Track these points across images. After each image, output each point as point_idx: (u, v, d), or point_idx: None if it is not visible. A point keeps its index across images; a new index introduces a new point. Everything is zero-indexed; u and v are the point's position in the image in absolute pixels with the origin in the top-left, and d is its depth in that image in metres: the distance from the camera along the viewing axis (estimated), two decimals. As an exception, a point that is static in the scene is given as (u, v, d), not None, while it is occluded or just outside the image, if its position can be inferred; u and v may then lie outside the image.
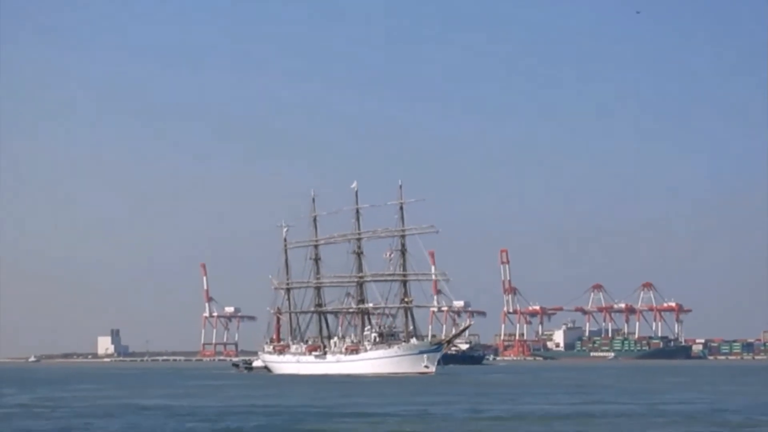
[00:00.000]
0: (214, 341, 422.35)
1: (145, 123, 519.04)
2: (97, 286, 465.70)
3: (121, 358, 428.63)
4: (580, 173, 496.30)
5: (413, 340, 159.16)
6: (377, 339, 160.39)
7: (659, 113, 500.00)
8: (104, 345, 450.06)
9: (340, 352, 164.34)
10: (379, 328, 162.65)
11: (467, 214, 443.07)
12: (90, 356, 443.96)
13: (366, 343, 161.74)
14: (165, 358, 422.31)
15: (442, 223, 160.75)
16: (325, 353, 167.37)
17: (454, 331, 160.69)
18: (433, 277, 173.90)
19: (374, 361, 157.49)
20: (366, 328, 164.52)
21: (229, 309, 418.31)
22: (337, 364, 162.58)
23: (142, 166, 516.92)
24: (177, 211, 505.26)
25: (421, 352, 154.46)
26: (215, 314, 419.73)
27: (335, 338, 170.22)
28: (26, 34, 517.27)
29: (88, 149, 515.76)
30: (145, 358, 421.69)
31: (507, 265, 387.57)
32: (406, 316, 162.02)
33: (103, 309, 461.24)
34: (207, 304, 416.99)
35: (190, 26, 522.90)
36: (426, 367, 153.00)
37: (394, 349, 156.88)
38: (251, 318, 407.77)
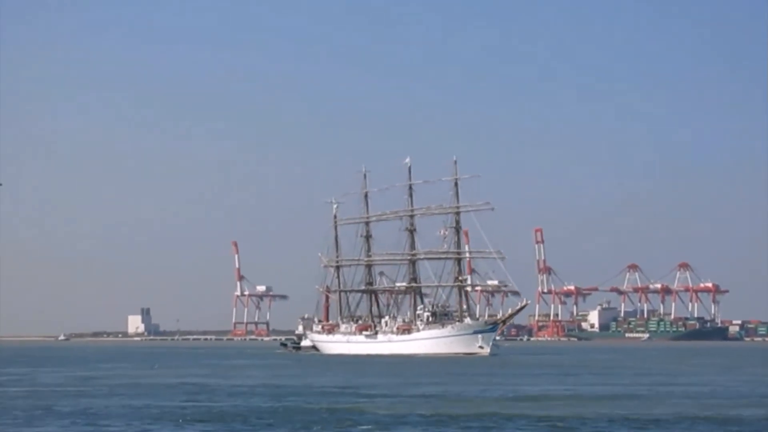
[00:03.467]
0: (245, 320, 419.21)
1: (176, 103, 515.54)
2: (128, 265, 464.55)
3: (151, 337, 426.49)
4: (615, 152, 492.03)
5: (467, 320, 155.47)
6: (430, 318, 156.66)
7: (691, 94, 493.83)
8: (134, 324, 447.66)
9: (392, 332, 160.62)
10: (432, 307, 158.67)
11: (501, 193, 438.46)
12: (120, 335, 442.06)
13: (418, 322, 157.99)
14: (196, 337, 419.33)
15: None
16: (376, 333, 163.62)
17: (510, 311, 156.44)
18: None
19: (426, 341, 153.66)
20: (419, 307, 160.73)
21: (261, 288, 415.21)
22: (388, 344, 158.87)
23: (172, 145, 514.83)
24: (208, 189, 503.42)
25: (476, 332, 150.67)
26: (246, 293, 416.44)
27: (386, 317, 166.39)
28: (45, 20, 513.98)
29: (117, 131, 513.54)
30: (176, 337, 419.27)
31: (542, 245, 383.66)
32: (460, 295, 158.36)
33: (133, 288, 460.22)
34: (238, 283, 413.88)
35: (216, 7, 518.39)
36: (480, 347, 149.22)
37: (448, 329, 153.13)
38: (283, 297, 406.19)
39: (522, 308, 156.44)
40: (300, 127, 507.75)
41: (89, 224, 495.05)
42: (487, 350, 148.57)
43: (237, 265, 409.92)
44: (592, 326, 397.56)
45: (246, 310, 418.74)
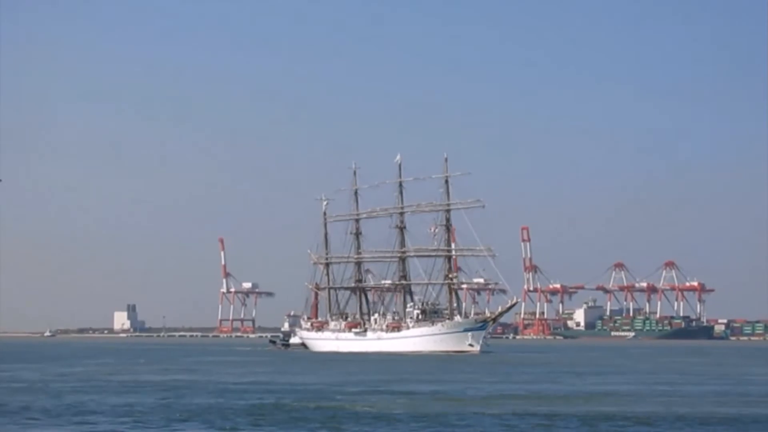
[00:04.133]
0: (231, 317, 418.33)
1: (164, 100, 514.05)
2: (114, 261, 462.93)
3: (137, 334, 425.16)
4: (602, 151, 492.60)
5: (457, 318, 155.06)
6: (420, 316, 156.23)
7: (683, 95, 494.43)
8: (120, 320, 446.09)
9: (381, 330, 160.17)
10: (422, 304, 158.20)
11: (491, 191, 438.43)
12: (106, 331, 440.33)
13: (408, 320, 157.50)
14: (182, 333, 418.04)
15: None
16: (365, 330, 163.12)
17: (500, 309, 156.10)
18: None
19: (416, 339, 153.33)
20: (408, 305, 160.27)
21: (247, 285, 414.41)
22: (377, 341, 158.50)
23: (159, 143, 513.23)
24: (195, 186, 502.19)
25: (466, 330, 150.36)
26: (233, 290, 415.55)
27: (376, 315, 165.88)
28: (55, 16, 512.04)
29: (107, 127, 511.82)
30: (162, 334, 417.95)
31: (528, 243, 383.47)
32: (450, 293, 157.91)
33: (119, 284, 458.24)
34: (224, 280, 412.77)
35: (211, 7, 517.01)
36: (470, 345, 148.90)
37: (438, 327, 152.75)
38: (269, 294, 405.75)
39: (512, 306, 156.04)
40: (289, 123, 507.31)
41: (75, 221, 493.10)
42: (477, 348, 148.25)
43: (223, 262, 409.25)
44: (578, 324, 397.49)
45: (232, 307, 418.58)
